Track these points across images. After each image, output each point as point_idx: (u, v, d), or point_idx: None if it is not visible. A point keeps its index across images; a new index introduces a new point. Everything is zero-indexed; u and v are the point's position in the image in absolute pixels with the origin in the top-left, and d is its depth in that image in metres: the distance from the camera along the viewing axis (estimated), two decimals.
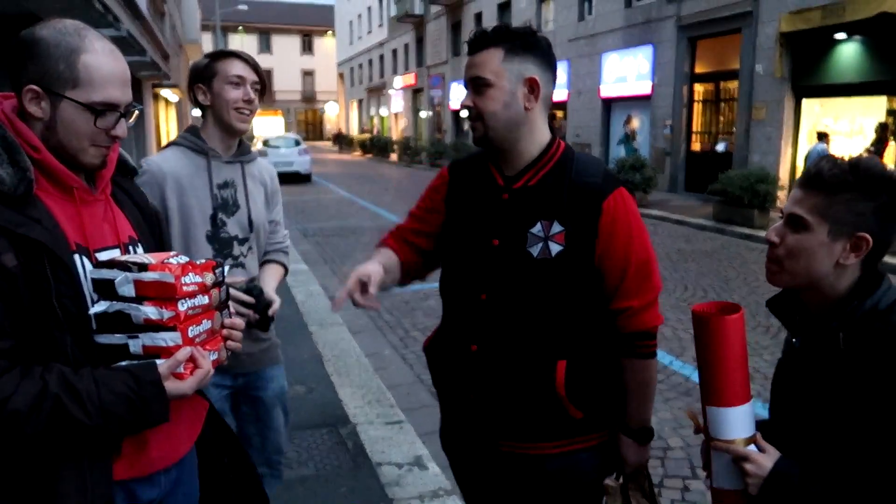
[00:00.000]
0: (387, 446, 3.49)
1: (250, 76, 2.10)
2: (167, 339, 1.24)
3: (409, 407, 4.25)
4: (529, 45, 1.60)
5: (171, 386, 1.24)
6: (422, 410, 4.27)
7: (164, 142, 28.33)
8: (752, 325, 6.11)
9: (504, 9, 25.14)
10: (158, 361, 1.24)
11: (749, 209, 11.13)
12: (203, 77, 2.11)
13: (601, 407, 1.68)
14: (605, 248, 1.58)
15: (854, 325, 1.24)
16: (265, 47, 58.49)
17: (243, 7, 43.04)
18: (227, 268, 1.43)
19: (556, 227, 1.58)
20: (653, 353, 1.66)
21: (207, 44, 43.52)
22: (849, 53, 12.18)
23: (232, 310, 1.47)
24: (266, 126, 53.76)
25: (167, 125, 30.52)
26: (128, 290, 1.23)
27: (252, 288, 2.04)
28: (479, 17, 27.25)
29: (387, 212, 14.02)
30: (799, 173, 12.65)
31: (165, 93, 28.41)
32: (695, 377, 4.81)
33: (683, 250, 9.68)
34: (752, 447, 1.34)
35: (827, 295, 1.28)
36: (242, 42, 58.57)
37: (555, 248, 1.58)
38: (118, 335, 1.25)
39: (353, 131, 49.06)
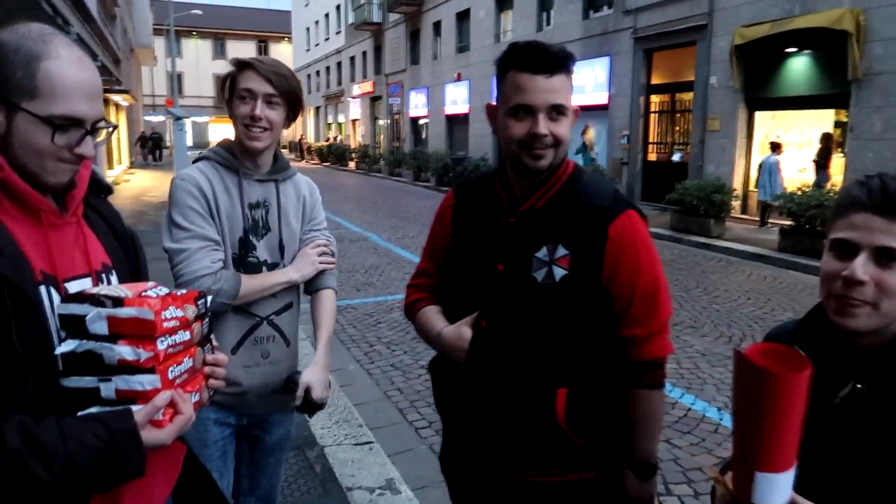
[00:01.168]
0: (357, 469, 3.36)
1: (262, 88, 1.85)
2: (144, 382, 1.11)
3: (378, 425, 4.14)
4: (572, 74, 1.56)
5: (149, 435, 1.10)
6: (391, 429, 4.16)
7: (114, 150, 27.56)
8: (715, 335, 6.17)
9: (463, 18, 25.23)
10: (134, 408, 1.10)
11: (705, 218, 11.34)
12: (225, 88, 1.94)
13: (604, 437, 1.61)
14: (611, 274, 1.52)
15: None
16: (220, 53, 57.50)
17: (197, 11, 42.28)
18: (209, 298, 1.30)
19: (561, 251, 1.53)
20: (660, 385, 1.59)
21: (160, 48, 42.62)
22: (799, 67, 12.56)
23: (215, 343, 1.34)
24: (222, 133, 52.92)
25: (118, 132, 29.72)
26: (100, 328, 1.09)
27: (291, 379, 1.96)
28: (437, 25, 27.30)
29: (346, 221, 13.84)
30: (752, 183, 13.03)
31: (117, 98, 27.67)
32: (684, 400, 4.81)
33: None
34: None
35: (886, 331, 1.15)
36: (196, 47, 57.59)
37: (559, 272, 1.52)
38: (88, 378, 1.11)
39: (310, 139, 48.54)
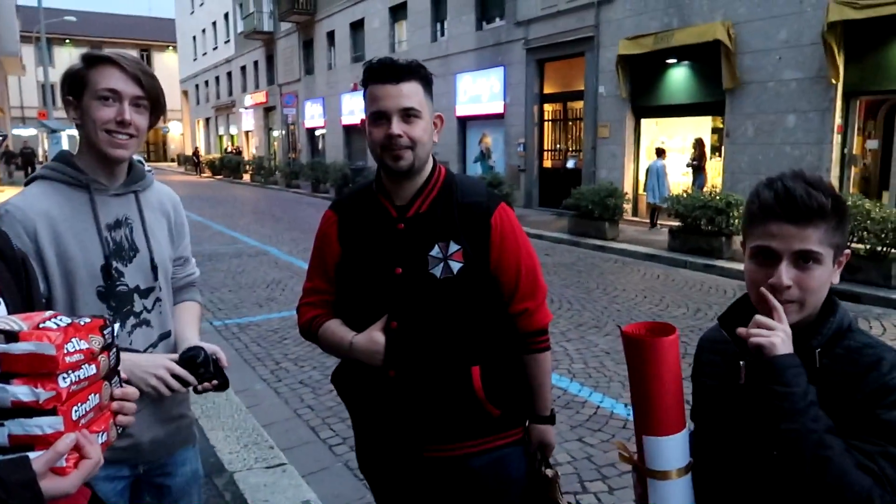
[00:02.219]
0: (270, 493, 3.19)
1: (129, 89, 1.61)
2: (44, 425, 0.96)
3: (290, 446, 3.96)
4: (431, 84, 1.74)
5: (50, 485, 0.95)
6: (303, 448, 4.00)
7: None
8: (617, 333, 6.35)
9: (357, 27, 25.10)
10: (32, 455, 0.95)
11: (600, 222, 11.79)
12: (73, 88, 1.64)
13: (516, 403, 1.82)
14: (498, 259, 1.72)
15: (827, 344, 1.24)
16: None
17: (71, 18, 39.61)
18: (117, 326, 1.15)
19: (454, 247, 1.70)
20: (548, 347, 1.84)
21: (29, 57, 39.60)
22: (679, 77, 13.36)
23: (123, 375, 1.19)
24: None
25: None
26: None
27: (194, 356, 1.66)
28: (331, 35, 27.00)
29: (244, 236, 13.35)
30: (641, 187, 13.71)
31: None
32: (571, 388, 4.92)
33: (545, 263, 10.02)
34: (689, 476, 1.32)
35: (808, 317, 1.27)
36: (70, 55, 53.99)
37: (455, 266, 1.69)
38: None
39: (202, 151, 46.63)
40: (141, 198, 1.77)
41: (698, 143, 13.20)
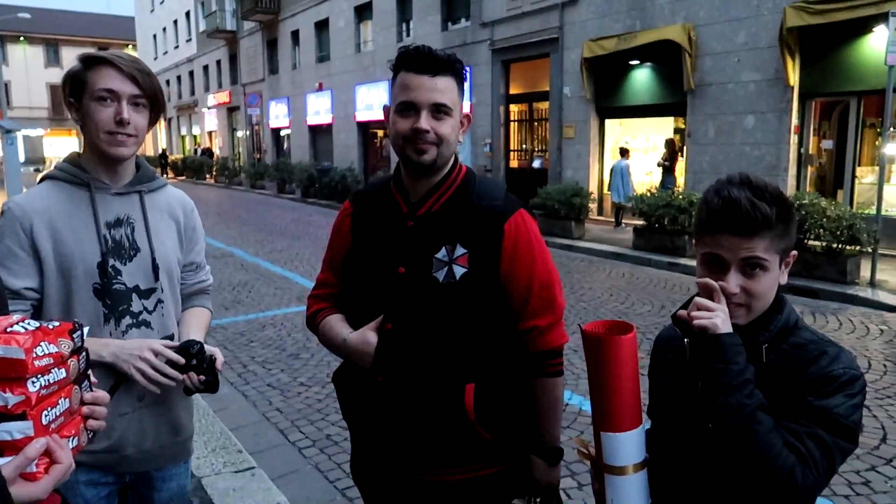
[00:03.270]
0: (239, 498, 3.16)
1: (126, 89, 1.62)
2: (13, 430, 0.95)
3: (258, 449, 3.93)
4: (464, 81, 1.64)
5: (20, 491, 0.95)
6: (272, 451, 3.97)
7: None
8: None
9: (321, 27, 24.92)
10: (1, 461, 0.95)
11: (567, 221, 11.92)
12: (73, 89, 1.65)
13: (511, 429, 1.66)
14: (508, 270, 1.59)
15: (773, 340, 1.31)
16: (53, 60, 52.86)
17: (25, 15, 38.51)
18: (86, 329, 1.13)
19: (460, 250, 1.58)
20: (560, 372, 1.67)
21: None
22: (642, 78, 13.57)
23: (93, 379, 1.17)
24: (59, 147, 48.50)
25: None
26: None
27: (189, 345, 1.65)
28: (295, 34, 26.76)
29: (209, 238, 13.14)
30: (606, 187, 13.89)
31: None
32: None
33: None
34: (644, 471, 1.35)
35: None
36: (25, 53, 52.52)
37: (459, 270, 1.57)
38: None
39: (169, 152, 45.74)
40: (146, 198, 1.77)
41: (670, 143, 13.40)
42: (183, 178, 33.85)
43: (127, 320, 1.69)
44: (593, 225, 13.21)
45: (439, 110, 1.56)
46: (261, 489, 3.24)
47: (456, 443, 1.61)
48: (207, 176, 31.84)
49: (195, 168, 32.70)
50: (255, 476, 3.37)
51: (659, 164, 13.48)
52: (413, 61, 1.57)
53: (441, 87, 1.56)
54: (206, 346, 1.70)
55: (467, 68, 17.34)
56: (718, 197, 1.28)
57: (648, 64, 13.27)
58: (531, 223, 1.64)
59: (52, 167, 1.75)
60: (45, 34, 51.88)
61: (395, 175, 1.72)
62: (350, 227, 1.75)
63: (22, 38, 50.25)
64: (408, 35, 20.27)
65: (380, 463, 1.72)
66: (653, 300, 7.70)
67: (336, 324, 1.71)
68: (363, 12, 22.55)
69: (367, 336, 1.61)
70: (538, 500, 1.72)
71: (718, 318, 1.23)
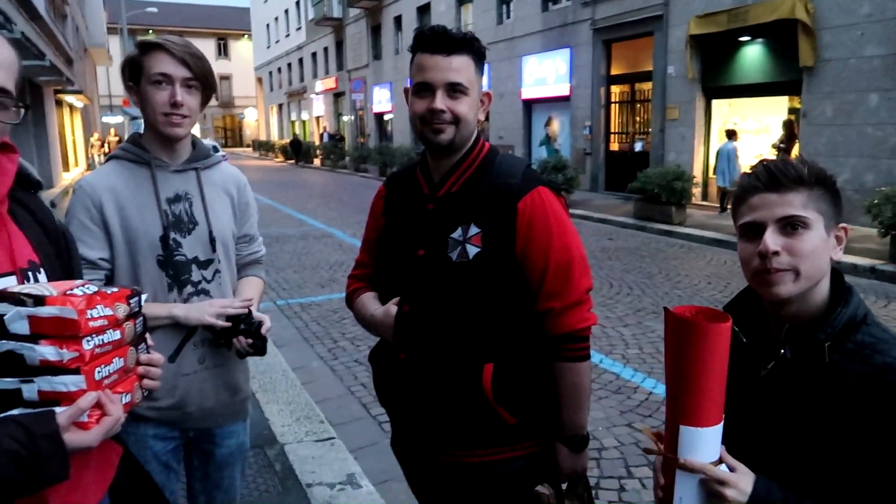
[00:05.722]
0: (317, 465, 3.33)
1: (179, 72, 1.72)
2: (68, 383, 1.06)
3: (340, 421, 4.11)
4: (484, 59, 1.63)
5: (73, 438, 1.06)
6: (353, 424, 4.14)
7: (69, 152, 26.83)
8: None
9: (423, 12, 25.16)
10: (57, 409, 1.06)
11: (667, 206, 11.49)
12: (132, 74, 1.77)
13: (534, 411, 1.64)
14: (523, 249, 1.57)
15: (837, 337, 1.17)
16: None
17: (153, 10, 41.36)
18: (144, 297, 1.25)
19: (473, 230, 1.58)
20: (583, 357, 1.60)
21: (115, 47, 41.61)
22: (752, 55, 12.79)
23: (150, 342, 1.29)
24: None
25: (72, 134, 28.98)
26: (21, 328, 1.05)
27: (238, 312, 1.82)
28: (398, 20, 27.18)
29: (311, 219, 13.72)
30: (711, 171, 13.26)
31: (70, 99, 26.95)
32: (624, 374, 4.87)
33: (607, 248, 9.88)
34: (723, 467, 1.21)
35: (810, 303, 1.21)
36: None
37: (472, 250, 1.57)
38: (9, 379, 1.07)
39: (274, 136, 47.91)
40: (202, 175, 1.89)
41: (788, 125, 12.50)
42: (292, 161, 35.23)
43: (188, 289, 1.84)
44: (696, 210, 12.66)
45: (455, 89, 1.56)
46: (338, 459, 3.40)
47: (477, 423, 1.60)
48: (315, 160, 32.99)
49: (303, 152, 33.83)
50: (333, 446, 3.54)
51: (774, 146, 12.66)
52: (428, 41, 1.57)
53: (456, 66, 1.55)
54: (254, 311, 1.83)
55: (568, 49, 17.07)
56: (747, 173, 1.24)
57: (760, 40, 12.48)
58: (550, 200, 1.59)
59: (117, 148, 1.91)
60: (170, 27, 55.46)
61: (422, 157, 1.74)
62: (382, 208, 1.80)
63: (150, 31, 53.96)
64: (507, 17, 20.09)
65: (409, 442, 1.76)
66: None
67: (367, 300, 1.76)
68: None
69: (390, 309, 1.66)
70: (564, 486, 1.68)
71: (732, 491, 1.12)
